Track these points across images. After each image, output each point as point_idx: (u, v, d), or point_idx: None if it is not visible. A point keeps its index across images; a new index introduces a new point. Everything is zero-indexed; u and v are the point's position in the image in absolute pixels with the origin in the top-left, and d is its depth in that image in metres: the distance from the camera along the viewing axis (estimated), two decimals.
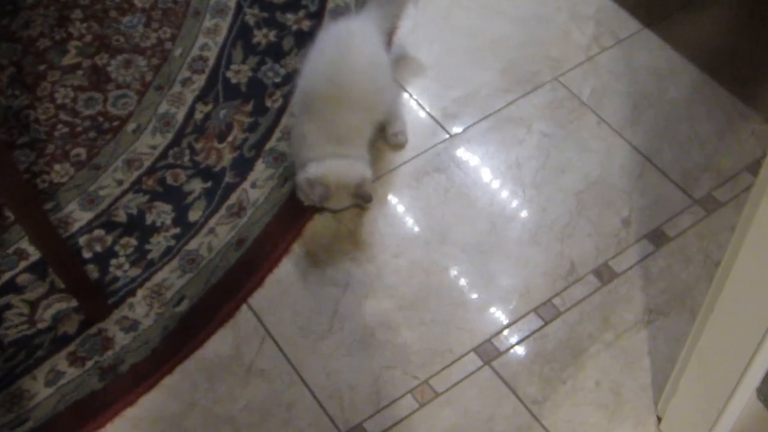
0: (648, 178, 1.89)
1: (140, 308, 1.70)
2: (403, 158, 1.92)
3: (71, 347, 1.66)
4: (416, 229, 1.83)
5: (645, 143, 1.94)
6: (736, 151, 1.93)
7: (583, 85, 2.03)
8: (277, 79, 2.04)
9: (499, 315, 1.72)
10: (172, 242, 1.79)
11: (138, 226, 1.81)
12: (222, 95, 2.01)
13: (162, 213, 1.83)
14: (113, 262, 1.76)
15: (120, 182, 1.87)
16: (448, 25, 2.16)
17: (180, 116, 1.97)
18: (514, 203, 1.86)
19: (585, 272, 1.76)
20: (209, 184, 1.87)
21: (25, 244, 1.78)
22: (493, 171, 1.91)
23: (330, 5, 2.18)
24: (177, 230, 1.80)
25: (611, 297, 1.73)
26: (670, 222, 1.83)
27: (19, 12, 2.14)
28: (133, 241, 1.79)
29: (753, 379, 1.31)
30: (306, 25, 2.14)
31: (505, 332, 1.69)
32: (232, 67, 2.06)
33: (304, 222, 1.83)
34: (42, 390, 1.61)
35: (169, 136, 1.94)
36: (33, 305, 1.71)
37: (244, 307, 1.72)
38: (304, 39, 2.09)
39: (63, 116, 1.97)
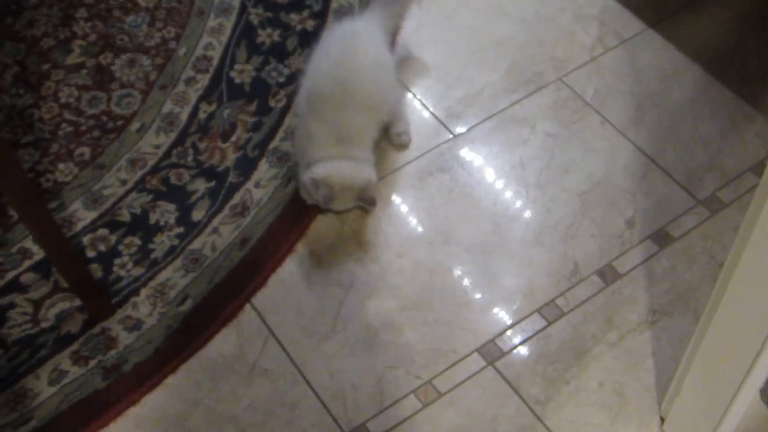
0: (652, 179, 1.89)
1: (144, 307, 1.70)
2: (407, 158, 1.92)
3: (74, 346, 1.66)
4: (420, 229, 1.83)
5: (649, 144, 1.94)
6: (740, 152, 1.92)
7: (587, 86, 2.03)
8: (281, 79, 2.04)
9: (503, 315, 1.72)
10: (176, 242, 1.79)
11: (142, 226, 1.81)
12: (226, 95, 2.01)
13: (165, 212, 1.83)
14: (117, 261, 1.76)
15: (124, 182, 1.87)
16: (452, 25, 2.16)
17: (184, 116, 1.98)
18: (518, 203, 1.86)
19: (589, 273, 1.76)
20: (213, 183, 1.87)
21: (28, 243, 1.78)
22: (496, 171, 1.91)
23: (334, 5, 2.18)
24: (180, 230, 1.81)
25: (615, 298, 1.73)
26: (674, 222, 1.83)
27: (23, 11, 2.14)
28: (137, 241, 1.79)
29: (757, 380, 1.31)
30: (310, 24, 2.14)
31: (509, 332, 1.69)
32: (236, 66, 2.06)
33: (308, 222, 1.83)
34: (45, 389, 1.61)
35: (173, 135, 1.94)
36: (37, 304, 1.71)
37: (247, 306, 1.72)
38: (308, 39, 2.09)
39: (67, 115, 1.97)
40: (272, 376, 1.63)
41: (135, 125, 1.96)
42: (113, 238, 1.79)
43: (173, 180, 1.88)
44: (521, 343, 1.68)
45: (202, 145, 1.93)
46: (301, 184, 1.79)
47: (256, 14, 2.16)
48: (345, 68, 1.78)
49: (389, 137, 1.92)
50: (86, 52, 2.08)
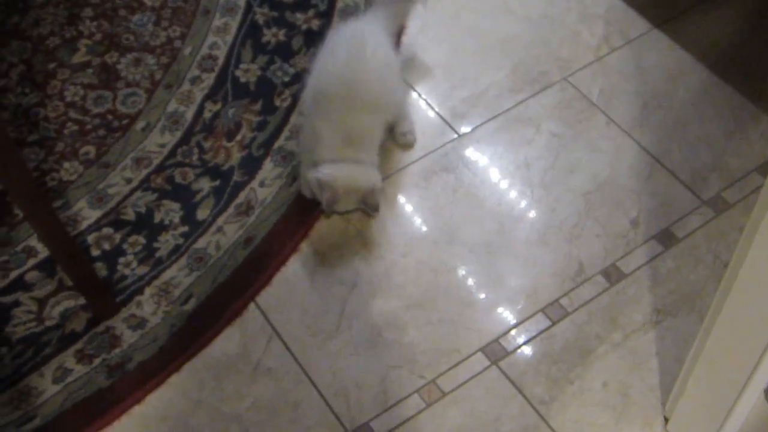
0: (657, 179, 1.88)
1: (148, 306, 1.71)
2: (412, 158, 1.92)
3: (79, 345, 1.66)
4: (424, 228, 1.83)
5: (654, 144, 1.93)
6: (745, 152, 1.92)
7: (593, 86, 2.03)
8: (286, 78, 2.04)
9: (507, 315, 1.71)
10: (180, 240, 1.79)
11: (146, 225, 1.81)
12: (231, 94, 2.01)
13: (170, 211, 1.83)
14: (121, 260, 1.77)
15: (129, 180, 1.87)
16: (457, 24, 2.16)
17: (189, 115, 1.98)
18: (523, 203, 1.86)
19: (593, 273, 1.76)
20: (218, 182, 1.87)
21: (33, 242, 1.79)
22: (501, 171, 1.91)
23: (339, 5, 2.18)
24: (185, 228, 1.81)
25: (619, 297, 1.73)
26: (678, 223, 1.82)
27: (29, 10, 2.15)
28: (142, 240, 1.79)
29: (761, 380, 1.30)
30: (315, 24, 2.14)
31: (513, 332, 1.69)
32: (242, 65, 2.06)
33: (312, 221, 1.83)
34: (49, 387, 1.61)
35: (178, 134, 1.95)
36: (41, 303, 1.71)
37: (251, 305, 1.72)
38: (314, 38, 2.10)
39: (72, 114, 1.97)
40: (276, 375, 1.64)
41: (140, 124, 1.96)
42: (118, 237, 1.80)
43: (178, 179, 1.88)
44: (525, 343, 1.68)
45: (207, 144, 1.93)
46: (303, 181, 1.79)
47: (261, 13, 2.16)
48: (351, 69, 1.77)
49: (394, 137, 1.92)
50: (92, 51, 2.08)
